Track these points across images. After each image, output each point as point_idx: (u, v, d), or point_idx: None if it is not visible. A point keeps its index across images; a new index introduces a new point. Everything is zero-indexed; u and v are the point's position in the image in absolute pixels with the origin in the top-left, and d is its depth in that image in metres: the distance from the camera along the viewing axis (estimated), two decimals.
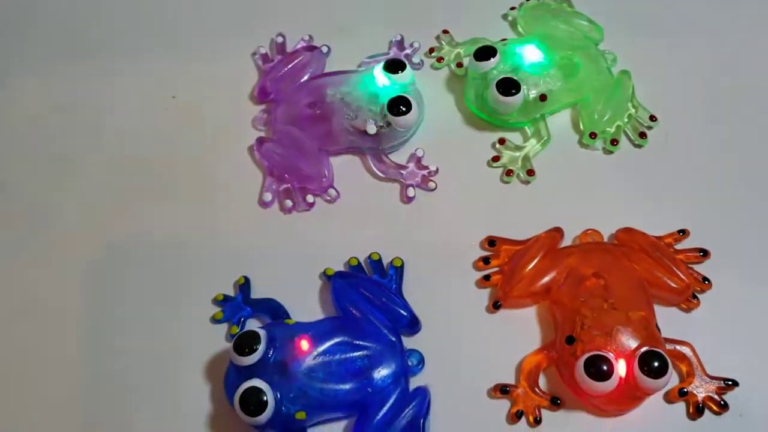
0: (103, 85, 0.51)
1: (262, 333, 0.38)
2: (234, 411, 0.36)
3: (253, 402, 0.36)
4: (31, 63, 0.53)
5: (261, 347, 0.37)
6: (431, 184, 0.46)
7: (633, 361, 0.37)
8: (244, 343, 0.37)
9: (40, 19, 0.55)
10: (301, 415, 0.37)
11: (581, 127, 0.48)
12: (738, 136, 0.47)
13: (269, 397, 0.36)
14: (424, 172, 0.46)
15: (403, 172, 0.46)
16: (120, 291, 0.43)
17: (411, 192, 0.45)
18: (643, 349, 0.37)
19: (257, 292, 0.43)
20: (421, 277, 0.43)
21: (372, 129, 0.45)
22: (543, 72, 0.47)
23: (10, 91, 0.51)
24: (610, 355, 0.37)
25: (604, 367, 0.37)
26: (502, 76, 0.46)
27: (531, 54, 0.48)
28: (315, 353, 0.38)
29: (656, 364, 0.36)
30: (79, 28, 0.55)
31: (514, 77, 0.46)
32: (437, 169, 0.46)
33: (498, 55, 0.46)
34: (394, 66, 0.46)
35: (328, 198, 0.46)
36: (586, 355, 0.37)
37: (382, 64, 0.46)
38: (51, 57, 0.53)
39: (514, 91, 0.45)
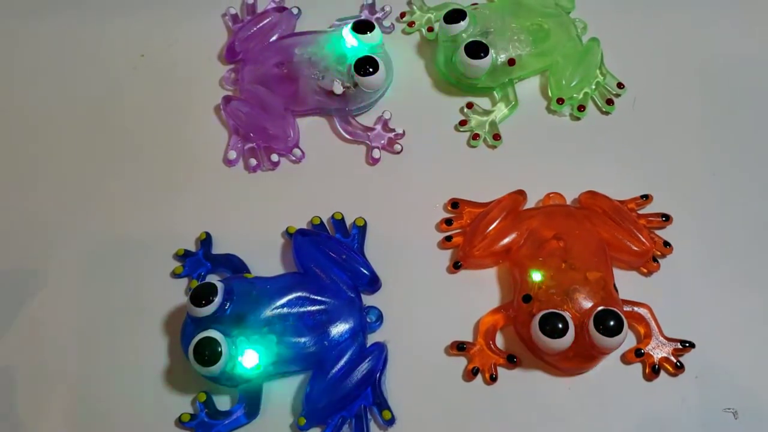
0: (70, 42, 0.50)
1: (219, 285, 0.38)
2: (190, 364, 0.36)
3: (207, 352, 0.36)
4: None
5: (217, 299, 0.37)
6: (397, 147, 0.46)
7: (589, 320, 0.37)
8: (201, 294, 0.37)
9: None
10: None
11: (549, 93, 0.48)
12: (703, 105, 0.47)
13: (223, 347, 0.36)
14: (391, 134, 0.46)
15: (370, 134, 0.46)
16: (82, 242, 0.43)
17: (376, 154, 0.45)
18: (599, 308, 0.37)
19: (220, 249, 0.43)
20: (384, 238, 0.43)
21: (339, 89, 0.45)
22: (513, 37, 0.47)
23: None
24: (566, 314, 0.37)
25: (559, 325, 0.37)
26: (471, 39, 0.46)
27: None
28: (273, 306, 0.38)
29: (611, 322, 0.37)
30: None
31: (483, 41, 0.46)
32: (404, 132, 0.46)
33: (468, 18, 0.46)
34: (362, 27, 0.46)
35: (293, 158, 0.45)
36: (542, 313, 0.37)
37: (350, 25, 0.46)
38: (15, 13, 0.52)
39: (482, 54, 0.45)
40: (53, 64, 0.50)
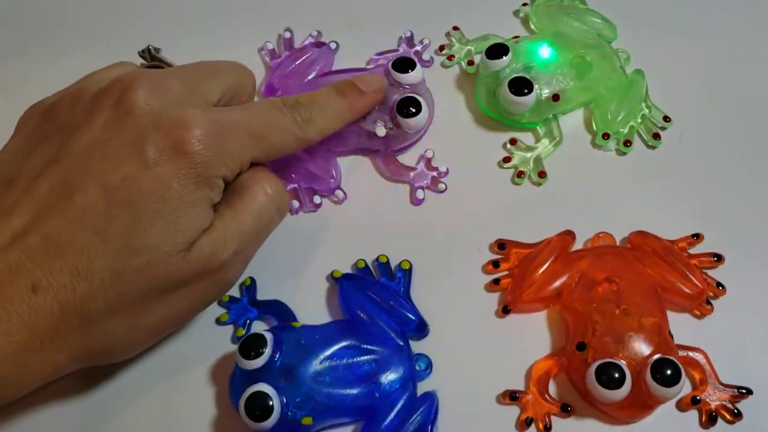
0: None
1: (268, 336, 0.37)
2: (239, 415, 0.36)
3: (258, 407, 0.35)
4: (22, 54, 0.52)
5: (267, 351, 0.37)
6: (441, 186, 0.45)
7: (645, 369, 0.36)
8: (251, 346, 0.37)
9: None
10: (307, 421, 0.36)
11: (594, 127, 0.47)
12: (753, 138, 0.46)
13: (275, 402, 0.35)
14: (434, 173, 0.45)
15: (412, 173, 0.45)
16: None
17: (420, 194, 0.45)
18: (656, 356, 0.37)
19: (263, 294, 0.42)
20: (429, 280, 0.42)
21: (381, 131, 0.44)
22: (556, 71, 0.46)
23: None
24: (622, 363, 0.36)
25: (616, 375, 0.36)
26: (514, 75, 0.45)
27: (543, 52, 0.47)
28: (322, 357, 0.38)
29: (669, 372, 0.36)
30: (85, 20, 0.54)
31: (527, 76, 0.45)
32: (447, 170, 0.46)
33: (510, 53, 0.46)
34: (403, 65, 0.45)
35: (335, 199, 0.45)
36: (597, 363, 0.36)
37: (390, 63, 0.45)
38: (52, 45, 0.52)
39: (526, 90, 0.44)
40: None
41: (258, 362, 0.37)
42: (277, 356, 0.37)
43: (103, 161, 0.34)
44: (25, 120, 0.38)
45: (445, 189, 0.45)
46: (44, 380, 0.34)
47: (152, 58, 0.44)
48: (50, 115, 0.37)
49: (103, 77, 0.38)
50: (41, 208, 0.33)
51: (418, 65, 0.45)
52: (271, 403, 0.35)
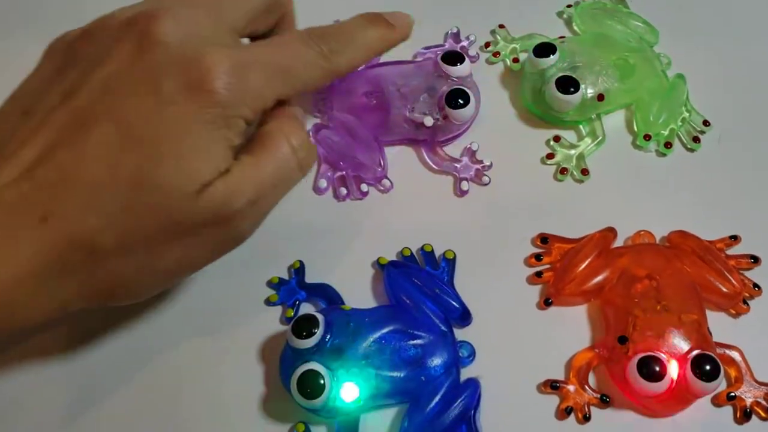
0: None
1: (320, 317, 0.38)
2: (288, 393, 0.37)
3: (310, 385, 0.36)
4: None
5: (319, 331, 0.38)
6: (485, 179, 0.46)
7: (685, 364, 0.37)
8: (303, 326, 0.38)
9: None
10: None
11: (635, 128, 0.48)
12: None
13: (326, 380, 0.37)
14: (478, 166, 0.46)
15: (457, 165, 0.46)
16: None
17: (465, 186, 0.46)
18: (696, 352, 0.38)
19: (310, 277, 0.43)
20: (472, 271, 0.43)
21: (429, 121, 0.45)
22: (601, 71, 0.47)
23: None
24: (663, 357, 0.38)
25: (657, 368, 0.37)
26: (561, 74, 0.46)
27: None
28: (371, 339, 0.39)
29: (708, 367, 0.37)
30: None
31: (573, 75, 0.46)
32: (491, 164, 0.46)
33: (557, 52, 0.47)
34: (453, 58, 0.46)
35: (382, 188, 0.46)
36: (640, 356, 0.38)
37: (440, 56, 0.46)
38: None
39: (573, 89, 0.45)
40: None
41: (310, 342, 0.38)
42: (328, 337, 0.38)
43: (121, 95, 0.32)
44: (49, 52, 0.37)
45: (489, 182, 0.46)
46: (51, 314, 0.33)
47: None
48: (74, 48, 0.36)
49: (129, 10, 0.36)
50: (55, 140, 0.32)
51: (467, 59, 0.46)
52: (322, 381, 0.37)
